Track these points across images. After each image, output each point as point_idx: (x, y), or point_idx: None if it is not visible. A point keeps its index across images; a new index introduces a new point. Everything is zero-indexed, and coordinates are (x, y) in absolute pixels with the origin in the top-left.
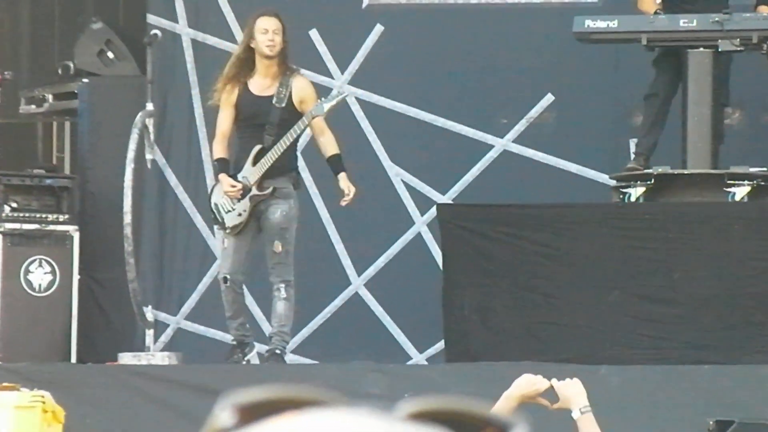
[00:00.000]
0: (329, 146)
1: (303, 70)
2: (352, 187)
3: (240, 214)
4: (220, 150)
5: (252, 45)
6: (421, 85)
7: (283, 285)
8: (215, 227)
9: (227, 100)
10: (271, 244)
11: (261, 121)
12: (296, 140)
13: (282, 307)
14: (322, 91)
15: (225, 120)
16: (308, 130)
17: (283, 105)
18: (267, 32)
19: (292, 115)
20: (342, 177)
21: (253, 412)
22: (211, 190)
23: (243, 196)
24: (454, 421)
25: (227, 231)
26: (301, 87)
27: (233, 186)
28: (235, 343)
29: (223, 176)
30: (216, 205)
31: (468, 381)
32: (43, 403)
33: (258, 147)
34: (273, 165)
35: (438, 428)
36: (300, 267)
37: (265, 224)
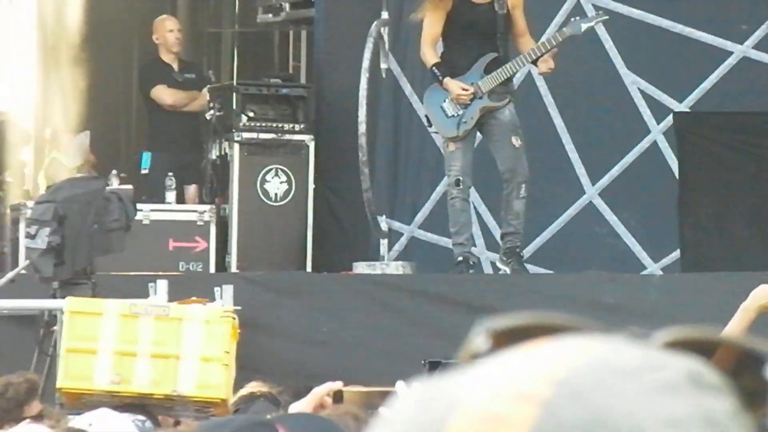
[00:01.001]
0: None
1: None
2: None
3: (466, 121)
4: (434, 54)
5: None
6: None
7: (524, 184)
8: (430, 131)
9: (440, 5)
10: (508, 141)
11: (483, 30)
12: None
13: (520, 206)
14: (557, 1)
15: (436, 24)
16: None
17: (504, 11)
18: None
19: (509, 21)
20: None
21: (508, 338)
22: (427, 95)
23: (471, 102)
24: (711, 351)
25: (450, 138)
26: None
27: (465, 90)
28: (460, 259)
29: (450, 80)
30: (437, 109)
31: (704, 291)
32: (234, 319)
33: (493, 55)
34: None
35: (695, 357)
36: (534, 176)
37: (494, 127)
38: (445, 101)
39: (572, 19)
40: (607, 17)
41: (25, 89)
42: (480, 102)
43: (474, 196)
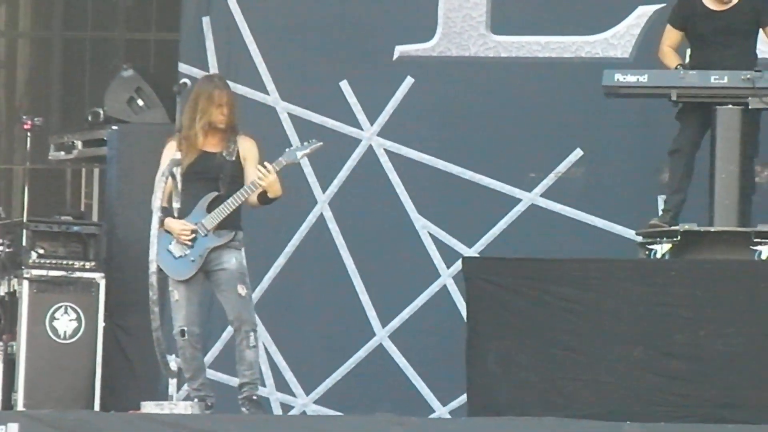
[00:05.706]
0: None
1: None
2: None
3: (194, 260)
4: (163, 200)
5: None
6: (450, 138)
7: (252, 333)
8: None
9: (167, 154)
10: (234, 290)
11: (213, 175)
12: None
13: (252, 355)
14: (351, 142)
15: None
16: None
17: (233, 159)
18: (221, 106)
19: (239, 169)
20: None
21: None
22: (154, 242)
23: (194, 242)
24: None
25: (182, 281)
26: (247, 147)
27: (186, 227)
28: (196, 400)
29: (171, 220)
30: (165, 253)
31: None
32: None
33: (213, 194)
34: (229, 215)
35: None
36: (324, 317)
37: (220, 274)
38: (171, 243)
39: (287, 149)
40: (322, 144)
41: None
42: (205, 240)
43: (264, 335)
